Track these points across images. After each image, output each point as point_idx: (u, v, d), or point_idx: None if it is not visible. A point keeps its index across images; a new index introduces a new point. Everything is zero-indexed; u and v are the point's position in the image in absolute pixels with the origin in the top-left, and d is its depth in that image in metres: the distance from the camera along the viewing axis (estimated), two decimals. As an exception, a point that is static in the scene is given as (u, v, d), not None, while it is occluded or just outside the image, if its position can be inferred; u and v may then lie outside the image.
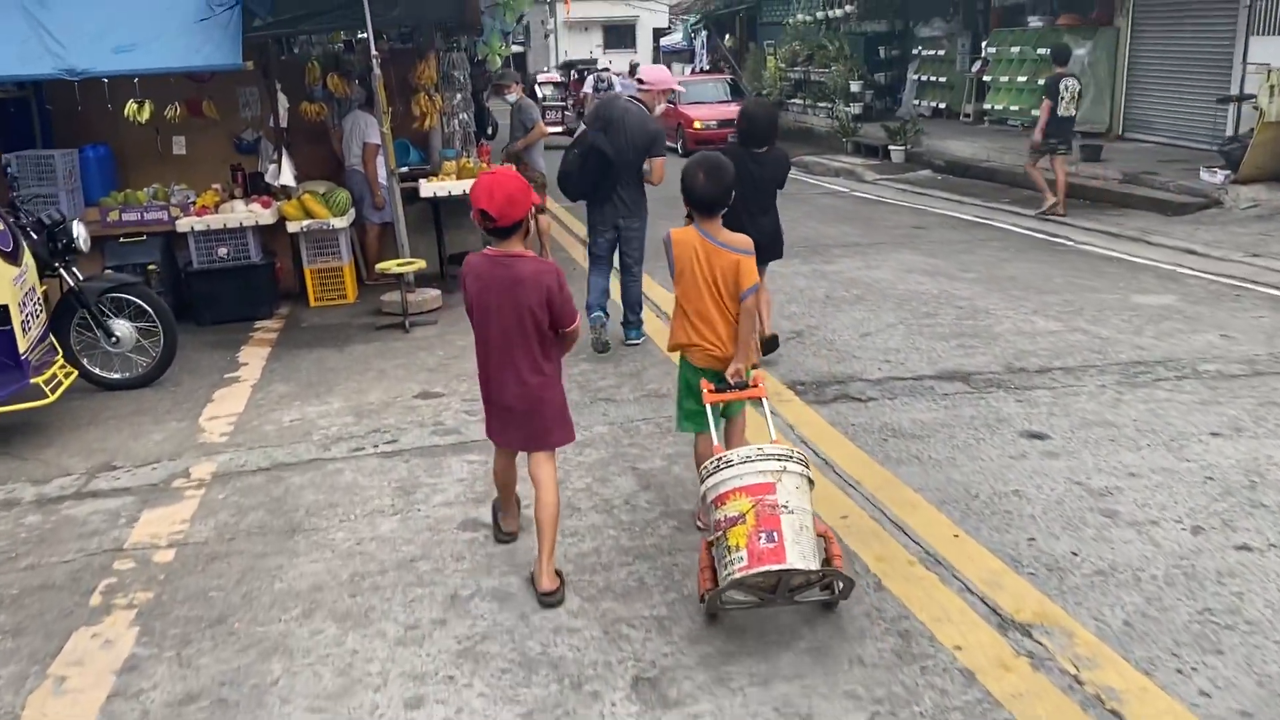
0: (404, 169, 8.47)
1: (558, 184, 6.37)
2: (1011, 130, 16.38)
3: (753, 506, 3.04)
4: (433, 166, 8.86)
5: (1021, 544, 3.70)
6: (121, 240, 7.76)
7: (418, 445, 5.00)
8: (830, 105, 19.63)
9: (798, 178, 15.79)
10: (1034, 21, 15.95)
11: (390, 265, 7.36)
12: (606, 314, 6.42)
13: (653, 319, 6.97)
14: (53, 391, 5.41)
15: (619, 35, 43.70)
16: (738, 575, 3.00)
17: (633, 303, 6.54)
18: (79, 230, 6.12)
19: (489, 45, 10.06)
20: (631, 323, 6.56)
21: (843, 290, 7.82)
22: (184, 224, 7.66)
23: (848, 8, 19.81)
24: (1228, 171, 10.78)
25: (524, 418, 3.52)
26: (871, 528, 3.86)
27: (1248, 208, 10.38)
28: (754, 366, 3.90)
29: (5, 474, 4.97)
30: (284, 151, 8.23)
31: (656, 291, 7.57)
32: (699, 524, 3.86)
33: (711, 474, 3.21)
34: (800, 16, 21.91)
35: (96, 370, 6.26)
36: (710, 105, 19.40)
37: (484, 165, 8.65)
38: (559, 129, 20.46)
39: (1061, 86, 10.50)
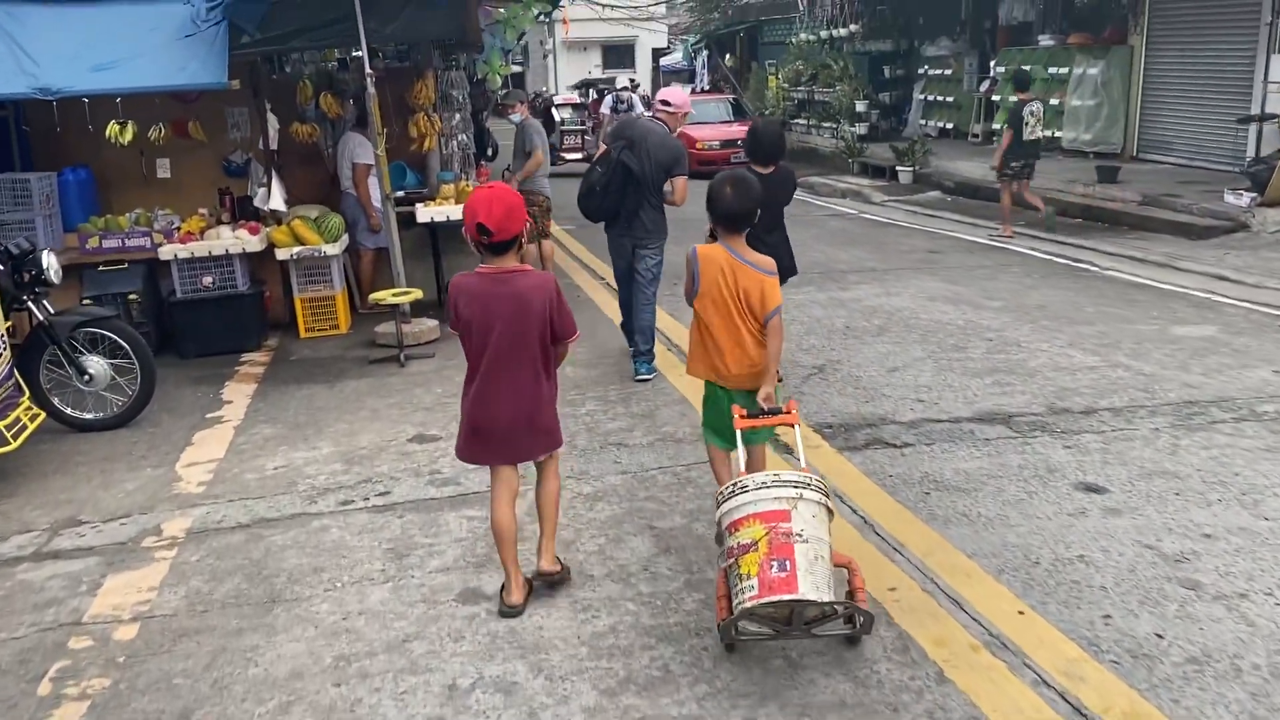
0: (399, 192, 8.07)
1: (579, 204, 6.21)
2: (1022, 150, 16.02)
3: (765, 534, 2.94)
4: (430, 190, 8.46)
5: (1097, 623, 3.26)
6: (101, 268, 7.34)
7: (412, 498, 4.56)
8: (835, 125, 19.31)
9: (804, 199, 15.44)
10: (1044, 40, 15.65)
11: (385, 296, 6.94)
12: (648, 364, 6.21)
13: (663, 352, 6.56)
14: (15, 438, 4.97)
15: (618, 55, 43.53)
16: (748, 604, 2.89)
17: (644, 329, 6.18)
18: (49, 260, 5.70)
19: (489, 64, 9.70)
20: (642, 354, 6.20)
21: (863, 320, 7.41)
22: (167, 251, 7.24)
23: (853, 27, 19.52)
24: (1254, 194, 10.41)
25: (523, 432, 3.45)
26: (925, 603, 3.42)
27: (1276, 231, 10.01)
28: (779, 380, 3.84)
29: (-41, 530, 4.53)
30: (274, 174, 7.83)
31: (663, 320, 7.16)
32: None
33: (727, 499, 3.12)
34: (804, 36, 21.63)
35: (68, 410, 5.83)
36: (713, 125, 19.06)
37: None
38: (578, 155, 18.86)
39: (1026, 112, 10.56)
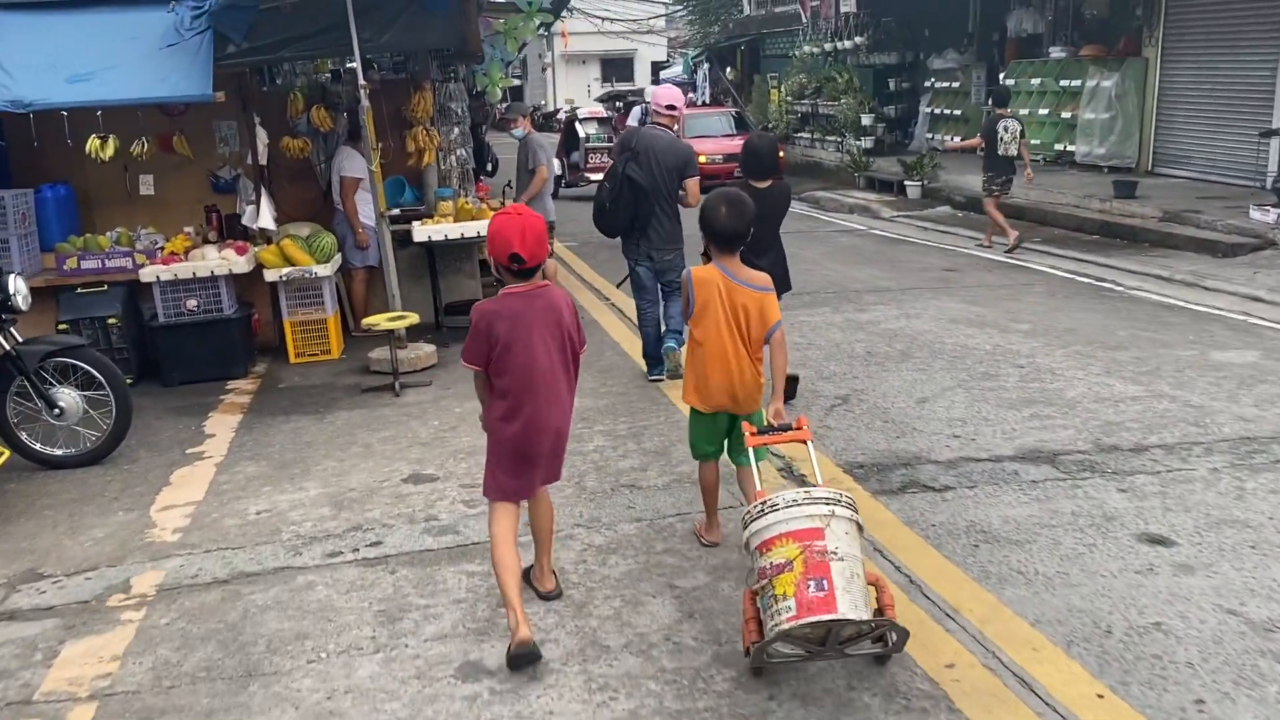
0: (395, 210, 7.68)
1: (594, 221, 6.30)
2: (1032, 165, 15.61)
3: (800, 553, 2.88)
4: (427, 207, 8.07)
5: (1189, 710, 2.86)
6: (80, 290, 6.95)
7: (406, 549, 4.15)
8: (840, 139, 18.98)
9: (811, 214, 15.11)
10: (1056, 52, 15.32)
11: (379, 320, 6.54)
12: (664, 357, 6.30)
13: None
14: (-27, 480, 4.57)
15: (617, 69, 43.33)
16: (785, 626, 2.81)
17: (678, 331, 6.23)
18: (16, 285, 5.29)
19: (489, 75, 9.33)
20: (672, 332, 6.33)
21: (884, 345, 7.01)
22: (148, 273, 6.84)
23: (858, 39, 19.21)
24: (1281, 210, 10.06)
25: (557, 451, 3.48)
26: (989, 684, 3.01)
27: (1307, 249, 9.64)
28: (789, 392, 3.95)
29: (-92, 585, 4.12)
30: (263, 191, 7.44)
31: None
32: (701, 539, 3.97)
33: (755, 518, 3.03)
34: (807, 48, 21.33)
35: (37, 446, 5.42)
36: (715, 139, 18.70)
37: (484, 205, 7.88)
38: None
39: (1000, 128, 10.55)
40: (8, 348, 5.26)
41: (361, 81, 6.60)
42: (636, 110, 18.95)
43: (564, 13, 12.82)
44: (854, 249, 11.57)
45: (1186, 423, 5.20)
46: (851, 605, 2.81)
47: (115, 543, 4.41)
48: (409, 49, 7.63)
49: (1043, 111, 15.37)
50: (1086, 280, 9.15)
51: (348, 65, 8.14)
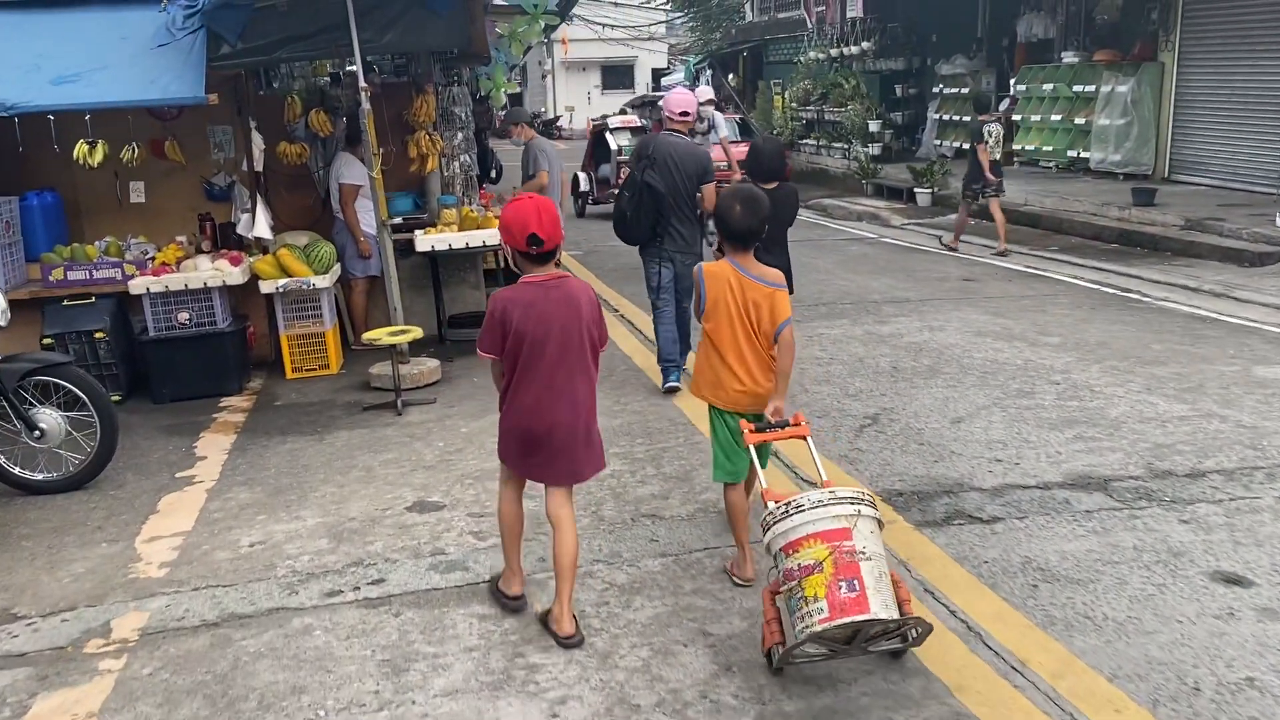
0: (396, 219, 7.36)
1: (615, 230, 6.23)
2: (1045, 172, 15.40)
3: (830, 554, 2.87)
4: (430, 215, 7.76)
5: (1303, 785, 2.53)
6: (66, 303, 6.62)
7: (411, 588, 3.81)
8: (846, 146, 18.68)
9: (819, 222, 14.81)
10: (1068, 57, 15.03)
11: (380, 335, 6.21)
12: (680, 373, 6.23)
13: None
14: (-57, 511, 4.23)
15: (618, 76, 43.07)
16: (819, 628, 2.81)
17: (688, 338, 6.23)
18: (-6, 300, 4.97)
19: (493, 79, 9.02)
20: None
21: (910, 359, 6.69)
22: (137, 285, 6.52)
23: (864, 44, 18.92)
24: (1310, 218, 9.76)
25: (570, 447, 3.35)
26: (1072, 753, 2.69)
27: (1338, 258, 9.34)
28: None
29: None
30: (259, 199, 7.12)
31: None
32: (734, 578, 3.70)
33: (779, 519, 3.00)
34: (812, 54, 21.04)
35: (17, 470, 5.09)
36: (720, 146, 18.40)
37: (489, 213, 7.56)
38: None
39: (984, 131, 10.85)
40: (-15, 366, 4.94)
41: (362, 84, 6.30)
42: None
43: (566, 18, 12.55)
44: (866, 258, 11.26)
45: (1242, 445, 4.87)
46: (883, 605, 2.82)
47: (96, 579, 4.08)
48: (411, 50, 7.32)
49: (1055, 117, 15.07)
50: (1111, 291, 8.84)
51: (347, 68, 7.84)
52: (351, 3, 5.92)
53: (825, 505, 2.94)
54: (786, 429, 3.48)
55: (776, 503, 3.05)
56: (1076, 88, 14.58)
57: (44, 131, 6.77)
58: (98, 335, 6.53)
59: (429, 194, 7.94)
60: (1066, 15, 15.69)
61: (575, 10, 11.86)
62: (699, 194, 5.97)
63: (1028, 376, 6.19)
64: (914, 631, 2.97)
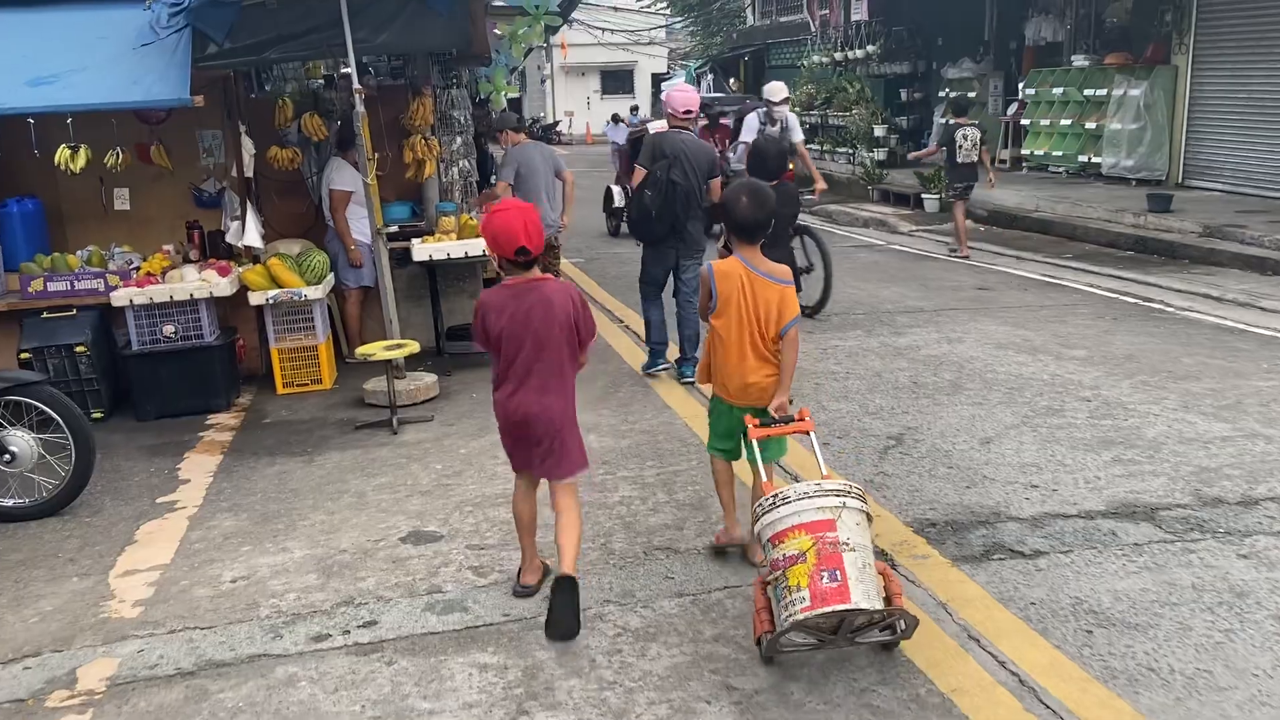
0: (392, 227, 7.05)
1: (634, 230, 6.47)
2: (1055, 177, 15.12)
3: (813, 544, 2.94)
4: (428, 223, 7.45)
5: None
6: (46, 315, 6.31)
7: (405, 631, 3.50)
8: (851, 150, 18.41)
9: (824, 228, 14.47)
10: (1078, 60, 14.76)
11: (375, 349, 5.90)
12: (668, 361, 6.54)
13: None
14: (-101, 545, 3.92)
15: (617, 81, 42.82)
16: (800, 617, 2.88)
17: (691, 338, 6.36)
18: (-39, 314, 4.66)
19: (493, 82, 8.73)
20: (688, 360, 6.32)
21: (930, 374, 6.39)
22: (120, 296, 6.21)
23: (870, 48, 18.66)
24: (1335, 225, 9.46)
25: (549, 443, 3.53)
26: (1155, 838, 2.38)
27: (1365, 267, 9.05)
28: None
29: None
30: (249, 206, 6.81)
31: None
32: (720, 544, 3.88)
33: (767, 511, 3.08)
34: (816, 58, 20.78)
35: (-14, 496, 4.77)
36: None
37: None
38: None
39: (959, 135, 10.79)
40: (-49, 385, 4.63)
41: (356, 86, 6.00)
42: (753, 120, 10.05)
43: (568, 20, 12.26)
44: (876, 265, 10.96)
45: (1293, 469, 4.57)
46: (864, 595, 2.87)
47: (65, 618, 3.77)
48: (408, 50, 7.02)
49: (1065, 122, 14.80)
50: (1132, 300, 8.54)
51: (342, 70, 7.54)
52: (345, 0, 5.63)
53: (811, 497, 3.00)
54: (791, 424, 3.53)
55: (762, 496, 3.16)
56: (1087, 91, 14.31)
57: (23, 135, 6.46)
58: (79, 349, 6.22)
59: (427, 201, 7.63)
60: (1076, 18, 15.43)
61: (574, 15, 11.56)
62: (706, 188, 6.16)
63: (1055, 392, 5.89)
64: (902, 624, 3.02)
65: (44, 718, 3.13)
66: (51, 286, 6.41)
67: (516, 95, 36.44)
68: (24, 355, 6.10)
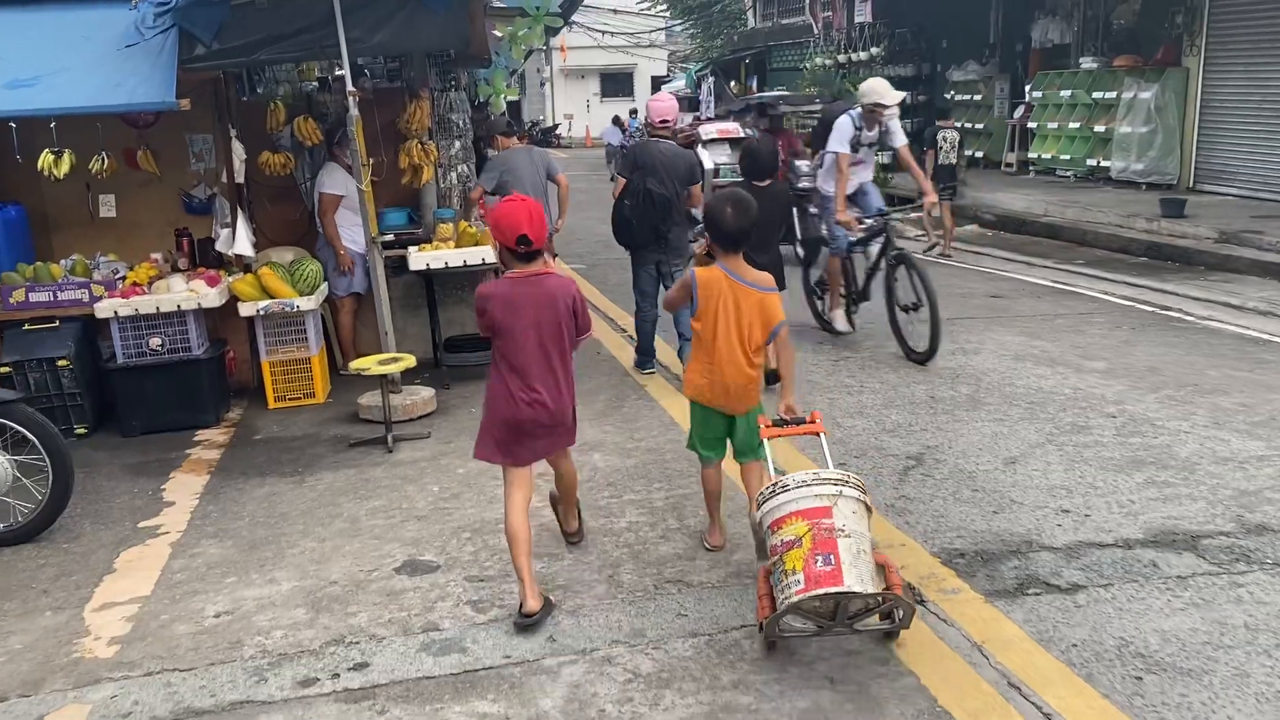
0: (388, 235, 6.81)
1: (616, 235, 6.56)
2: (1063, 181, 14.91)
3: (809, 530, 3.04)
4: (425, 230, 7.21)
5: None
6: (27, 327, 6.07)
7: (400, 675, 3.25)
8: (855, 154, 18.16)
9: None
10: (1086, 62, 14.55)
11: (369, 363, 5.65)
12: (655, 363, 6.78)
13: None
14: None
15: (617, 84, 42.65)
16: (794, 599, 2.96)
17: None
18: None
19: (492, 84, 8.49)
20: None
21: (947, 387, 6.15)
22: (104, 308, 5.97)
23: (873, 50, 18.44)
24: (1356, 231, 9.24)
25: (552, 427, 3.64)
26: None
27: (1388, 274, 8.82)
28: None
29: None
30: (239, 213, 6.57)
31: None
32: (706, 543, 4.01)
33: (767, 499, 3.20)
34: (819, 60, 20.57)
35: (-42, 521, 4.53)
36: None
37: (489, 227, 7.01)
38: None
39: (940, 138, 11.49)
40: (-79, 404, 4.38)
41: (351, 88, 5.76)
42: (846, 125, 7.44)
43: (567, 23, 12.02)
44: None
45: (1338, 492, 4.33)
46: (858, 579, 2.93)
47: (35, 658, 3.52)
48: (405, 51, 6.78)
49: (1073, 125, 14.59)
50: (1149, 309, 8.31)
51: (336, 72, 7.30)
52: (338, -1, 5.40)
53: (808, 485, 3.11)
54: (802, 425, 3.59)
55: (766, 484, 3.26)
56: (1095, 94, 14.11)
57: (4, 139, 6.22)
58: (61, 363, 5.98)
59: (424, 207, 7.39)
60: (1084, 20, 15.22)
61: (574, 17, 11.33)
62: (686, 195, 6.36)
63: (1079, 408, 5.65)
64: (898, 612, 3.10)
65: (6, 774, 2.89)
66: (33, 297, 6.17)
67: (515, 98, 36.25)
68: (3, 370, 5.86)
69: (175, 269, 6.59)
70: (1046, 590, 3.56)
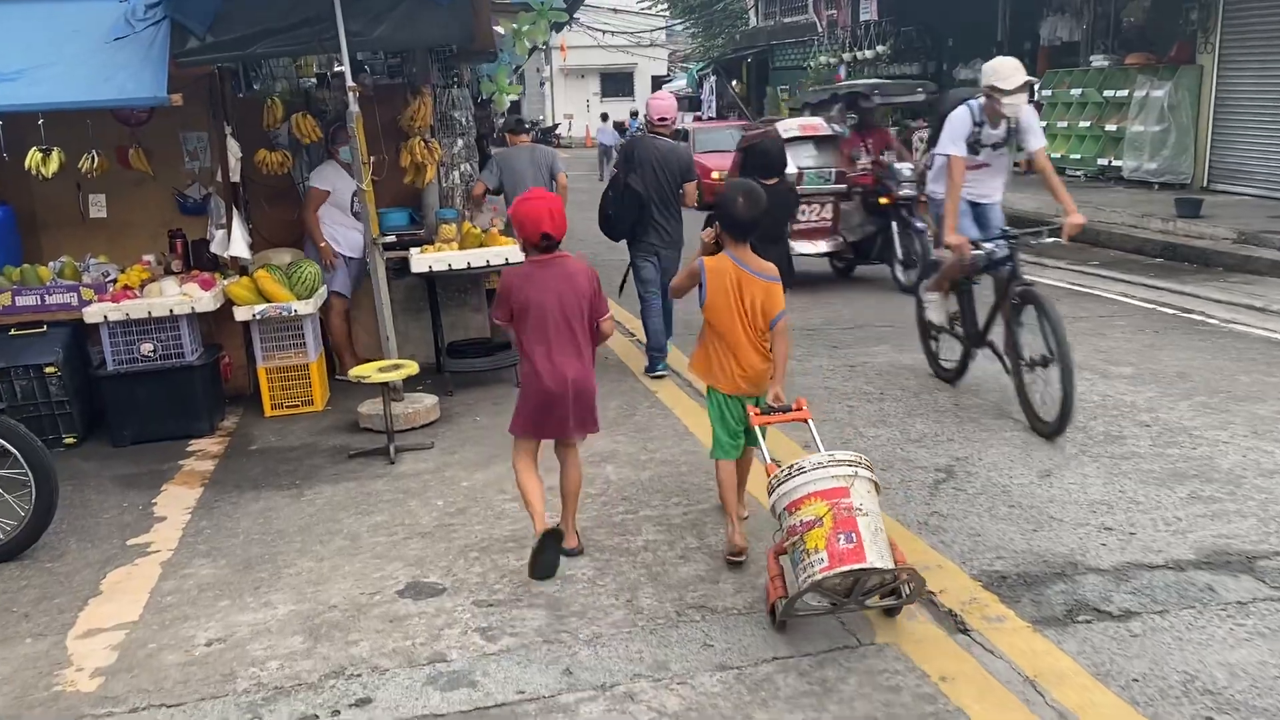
0: (389, 236, 6.57)
1: (600, 227, 6.68)
2: (1074, 181, 14.66)
3: (829, 510, 3.12)
4: (427, 231, 6.97)
5: None
6: (14, 332, 5.83)
7: (404, 713, 3.01)
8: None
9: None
10: (1097, 61, 14.33)
11: (369, 371, 5.41)
12: (666, 364, 6.65)
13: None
14: None
15: (617, 83, 42.44)
16: (819, 576, 3.04)
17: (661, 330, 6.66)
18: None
19: (496, 81, 8.26)
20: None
21: (971, 395, 5.92)
22: (93, 312, 5.73)
23: (879, 48, 18.23)
24: (1381, 231, 9.01)
25: (576, 402, 3.77)
26: None
27: None
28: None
29: None
30: (235, 214, 6.32)
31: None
32: (728, 553, 3.87)
33: (783, 481, 3.27)
34: (822, 59, 20.35)
35: (-64, 539, 4.28)
36: (728, 154, 17.68)
37: (493, 226, 6.76)
38: (823, 246, 9.72)
39: (915, 139, 11.89)
40: (-104, 416, 4.14)
41: (351, 84, 5.52)
42: (961, 118, 5.93)
43: (572, 18, 11.79)
44: (896, 273, 10.46)
45: (1396, 508, 4.10)
46: (879, 555, 3.06)
47: (12, 692, 3.28)
48: (406, 45, 6.53)
49: (1083, 124, 14.38)
50: (1170, 311, 8.08)
51: (336, 68, 7.07)
52: (337, -11, 5.16)
53: (825, 467, 3.22)
54: (789, 412, 3.73)
55: (781, 467, 3.32)
56: (1107, 93, 13.90)
57: (-9, 137, 5.97)
58: (49, 370, 5.74)
59: (426, 208, 7.15)
60: (1094, 17, 15.01)
61: (575, 16, 11.14)
62: (682, 191, 6.43)
63: (1111, 416, 5.41)
64: (907, 587, 3.19)
65: (-24, 825, 2.65)
66: (20, 301, 5.93)
67: (517, 97, 36.10)
68: (-19, 382, 5.62)
69: (168, 271, 6.34)
70: (1098, 618, 3.32)
